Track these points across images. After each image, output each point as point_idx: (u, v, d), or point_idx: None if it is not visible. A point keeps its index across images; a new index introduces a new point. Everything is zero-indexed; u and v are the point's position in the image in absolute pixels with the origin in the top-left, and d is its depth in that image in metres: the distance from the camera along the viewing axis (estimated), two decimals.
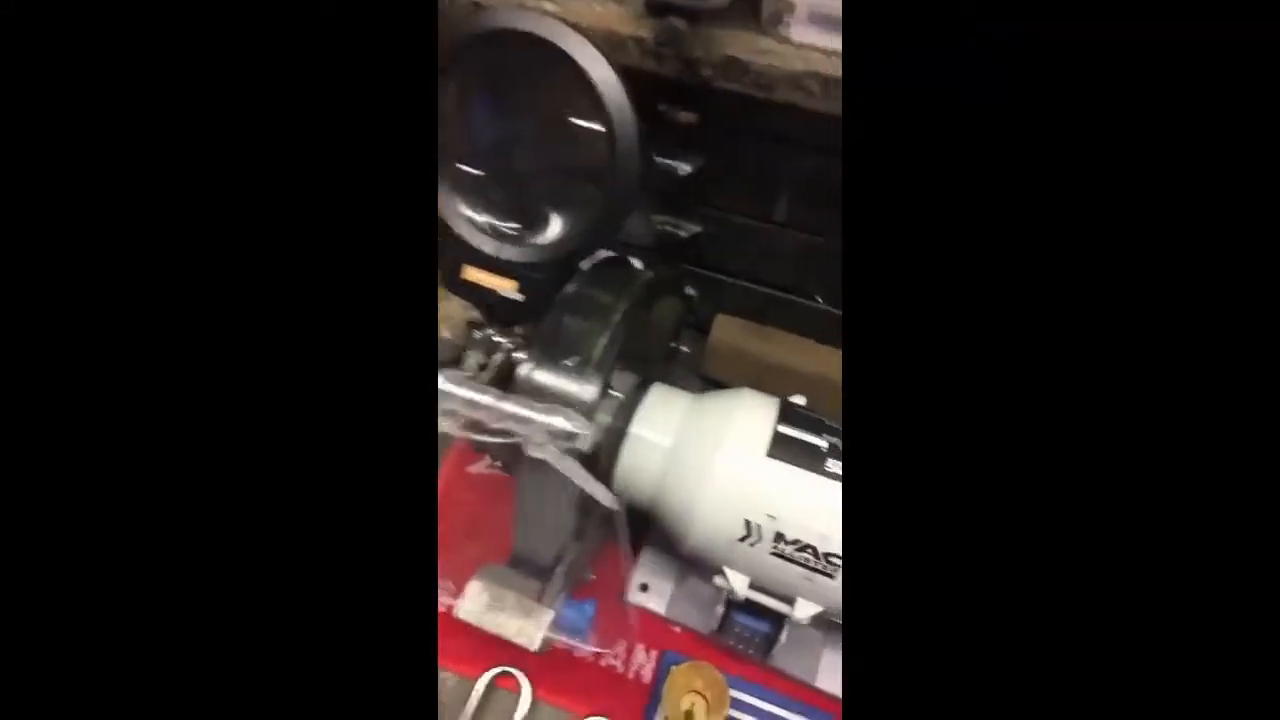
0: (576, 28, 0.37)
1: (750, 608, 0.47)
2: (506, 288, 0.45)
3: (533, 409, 0.36)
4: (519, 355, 0.41)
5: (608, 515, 0.49)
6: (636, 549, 0.56)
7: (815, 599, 0.42)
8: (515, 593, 0.41)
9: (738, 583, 0.43)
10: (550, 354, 0.40)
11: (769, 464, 0.41)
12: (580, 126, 0.40)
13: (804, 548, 0.41)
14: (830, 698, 0.50)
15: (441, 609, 0.42)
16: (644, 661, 0.53)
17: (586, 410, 0.38)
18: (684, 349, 0.60)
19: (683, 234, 0.56)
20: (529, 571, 0.43)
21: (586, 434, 0.37)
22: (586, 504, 0.42)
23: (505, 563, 0.44)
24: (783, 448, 0.42)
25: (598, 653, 0.52)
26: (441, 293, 0.48)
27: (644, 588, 0.55)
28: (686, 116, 0.44)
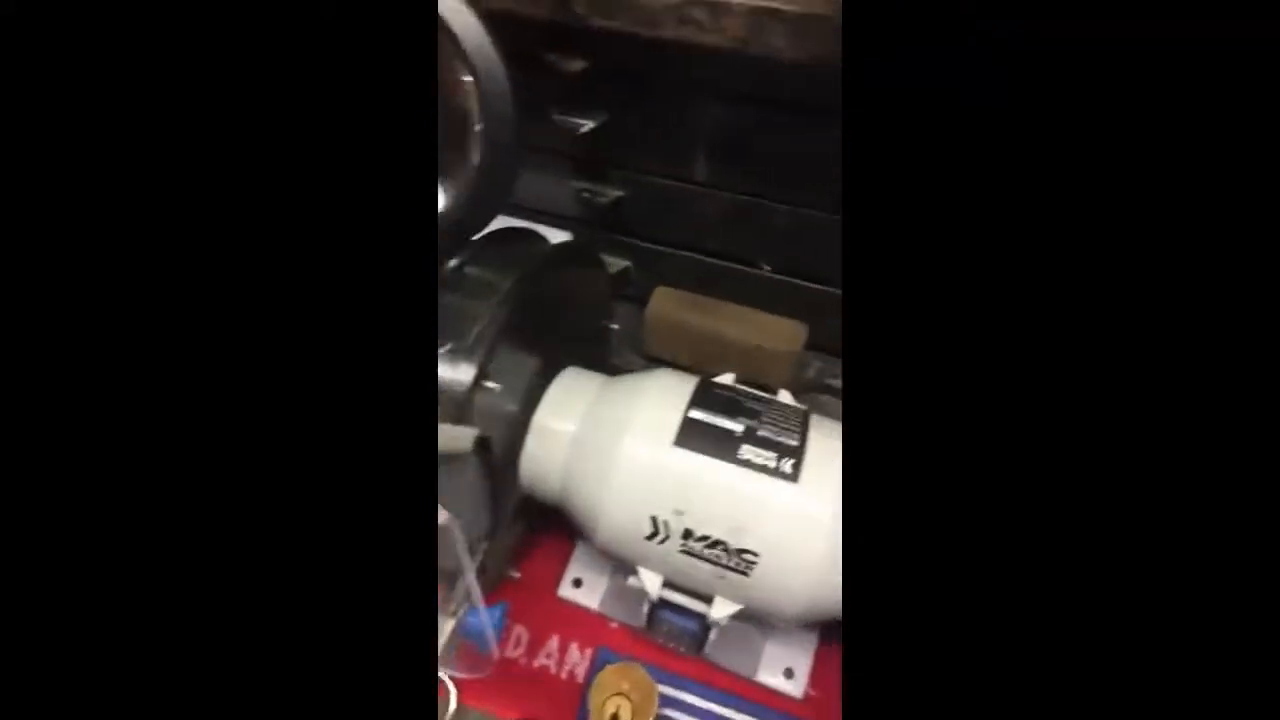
0: None
1: (677, 604, 0.43)
2: None
3: None
4: None
5: (524, 509, 0.46)
6: (571, 542, 0.53)
7: (732, 597, 0.39)
8: None
9: (650, 583, 0.40)
10: None
11: (676, 454, 0.37)
12: (447, 82, 0.35)
13: (714, 544, 0.37)
14: (772, 692, 0.47)
15: None
16: (578, 660, 0.50)
17: (459, 399, 0.34)
18: (615, 326, 0.56)
19: (602, 200, 0.51)
20: None
21: (464, 431, 0.33)
22: (498, 499, 0.38)
23: None
24: (692, 435, 0.38)
25: (531, 652, 0.49)
26: None
27: (577, 583, 0.52)
28: (574, 64, 0.39)
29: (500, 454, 0.39)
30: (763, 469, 0.37)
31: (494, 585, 0.48)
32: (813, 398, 0.55)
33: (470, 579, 0.35)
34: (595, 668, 0.48)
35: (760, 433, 0.38)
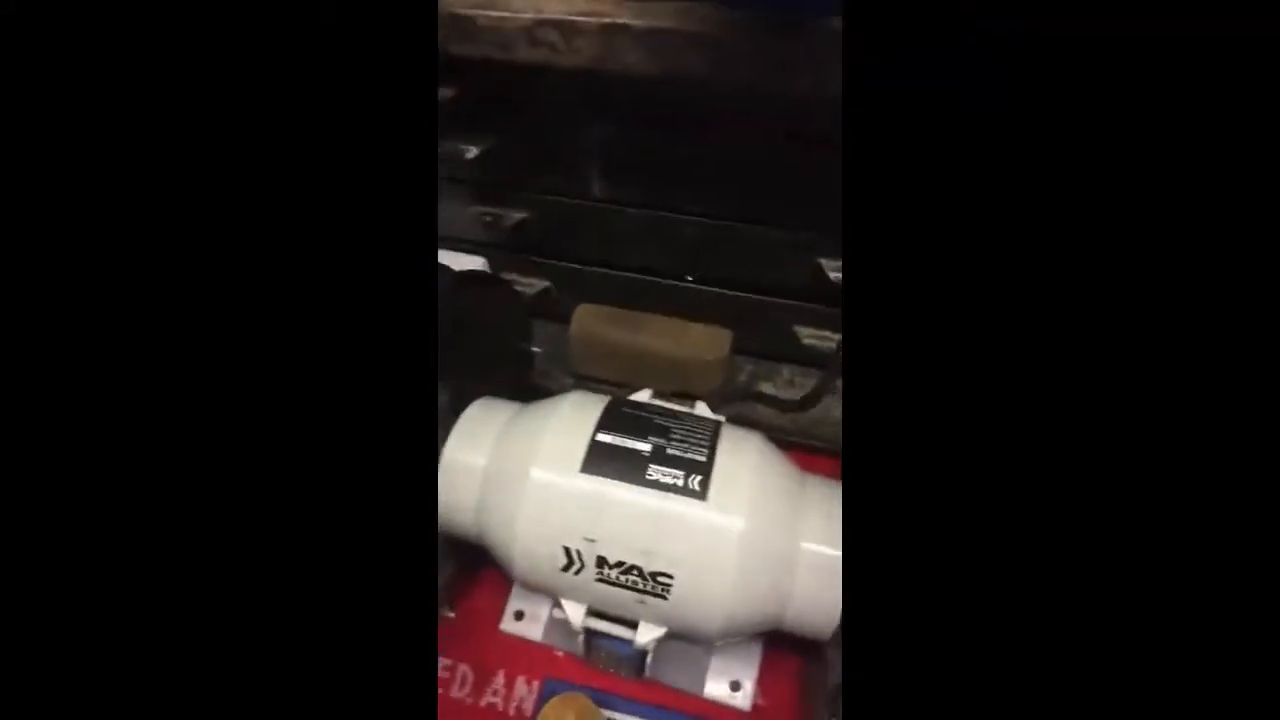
0: None
1: (606, 628, 0.42)
2: None
3: None
4: None
5: (453, 547, 0.45)
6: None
7: (654, 620, 0.38)
8: None
9: (573, 614, 0.39)
10: None
11: (583, 480, 0.36)
12: None
13: (629, 570, 0.36)
14: (720, 706, 0.46)
15: None
16: (525, 694, 0.49)
17: None
18: (537, 350, 0.55)
19: (507, 222, 0.50)
20: None
21: None
22: None
23: None
24: (599, 460, 0.37)
25: (477, 690, 0.48)
26: None
27: (519, 615, 0.50)
28: (444, 92, 0.38)
29: None
30: (671, 488, 0.36)
31: None
32: (750, 405, 0.55)
33: None
34: (543, 700, 0.47)
35: (669, 451, 0.37)
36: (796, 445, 0.57)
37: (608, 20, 0.31)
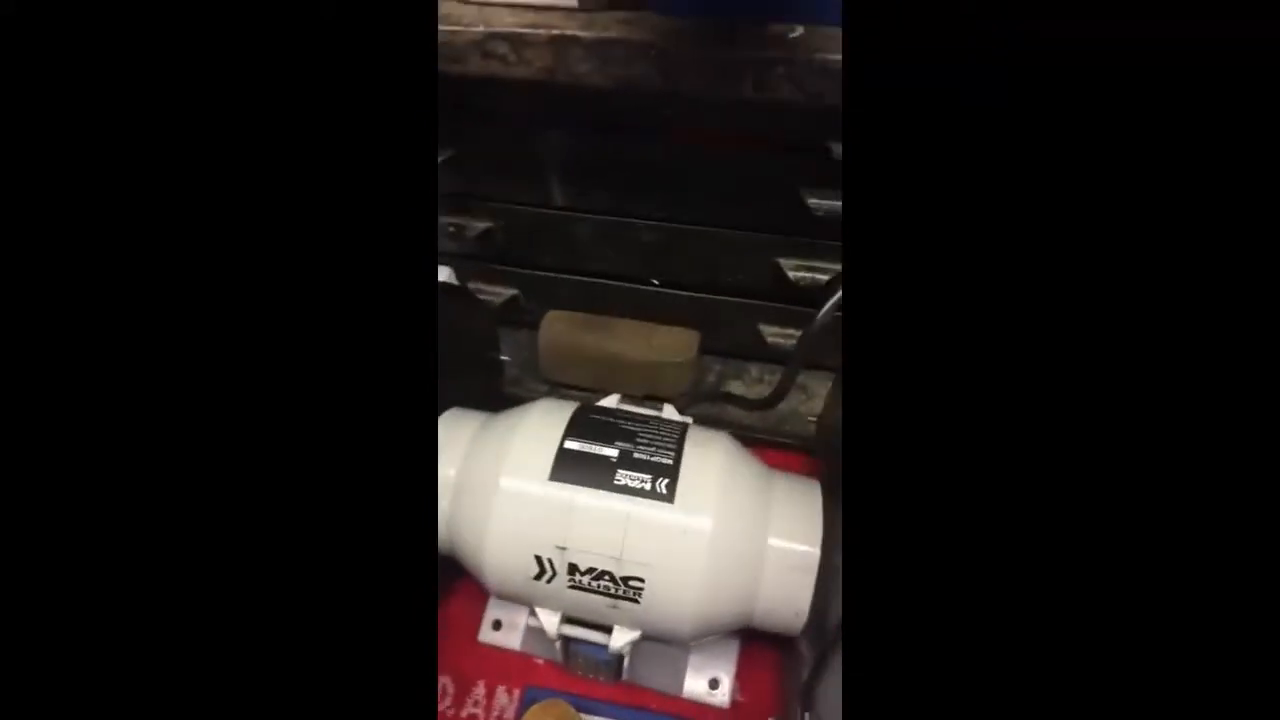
0: None
1: (584, 634, 0.42)
2: None
3: None
4: None
5: None
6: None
7: (628, 624, 0.38)
8: None
9: (548, 623, 0.39)
10: None
11: (552, 489, 0.37)
12: None
13: (600, 575, 0.36)
14: (699, 705, 0.47)
15: None
16: (506, 703, 0.49)
17: None
18: (505, 358, 0.55)
19: (471, 232, 0.50)
20: None
21: None
22: None
23: None
24: (567, 467, 0.37)
25: (458, 702, 0.48)
26: None
27: (497, 625, 0.50)
28: None
29: None
30: (639, 492, 0.36)
31: None
32: (719, 406, 0.55)
33: None
34: (524, 708, 0.47)
35: (636, 455, 0.38)
36: (765, 442, 0.57)
37: (556, 32, 0.31)
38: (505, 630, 0.50)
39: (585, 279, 0.55)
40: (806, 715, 0.37)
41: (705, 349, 0.58)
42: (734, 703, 0.47)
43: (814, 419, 0.54)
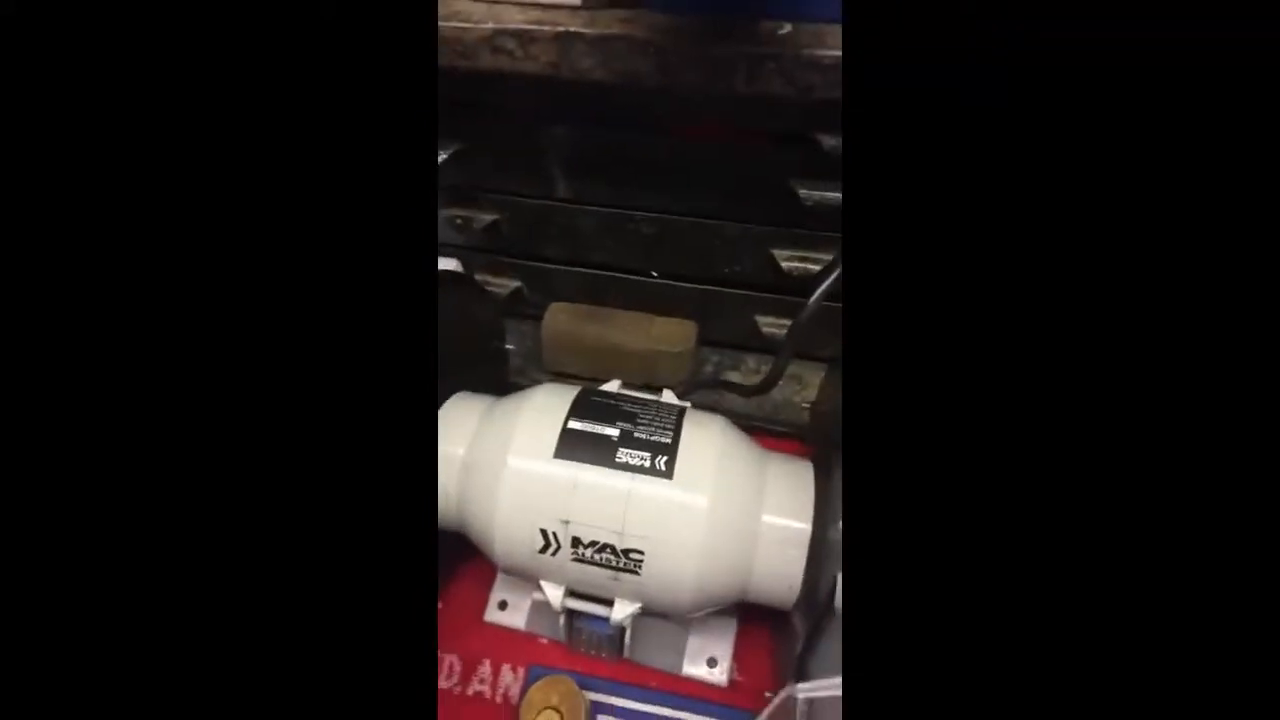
0: None
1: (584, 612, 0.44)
2: None
3: None
4: None
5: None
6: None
7: (629, 597, 0.40)
8: None
9: (553, 595, 0.40)
10: None
11: (556, 465, 0.38)
12: None
13: (602, 548, 0.38)
14: (698, 683, 0.48)
15: None
16: (511, 681, 0.50)
17: None
18: (510, 347, 0.57)
19: (478, 224, 0.52)
20: None
21: None
22: None
23: None
24: (571, 445, 0.39)
25: (465, 679, 0.50)
26: None
27: (503, 605, 0.52)
28: None
29: None
30: (639, 469, 0.38)
31: None
32: (716, 393, 0.57)
33: None
34: (528, 685, 0.49)
35: (636, 434, 0.39)
36: (761, 430, 0.59)
37: (561, 29, 0.33)
38: (511, 611, 0.52)
39: (587, 271, 0.57)
40: (799, 686, 0.39)
41: (704, 340, 0.59)
42: (732, 681, 0.48)
43: (807, 405, 0.56)
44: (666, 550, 0.37)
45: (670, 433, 0.40)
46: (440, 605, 0.51)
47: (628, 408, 0.41)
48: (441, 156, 0.44)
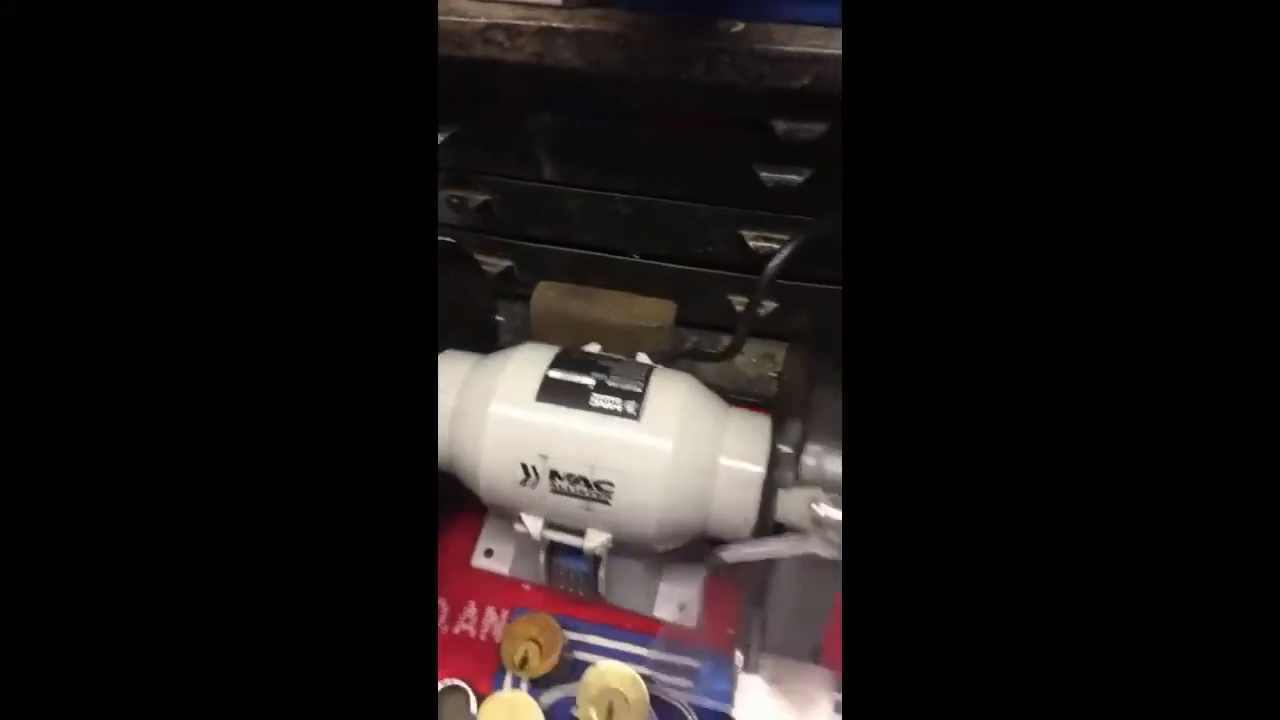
0: None
1: (567, 550, 0.49)
2: None
3: None
4: None
5: None
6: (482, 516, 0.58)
7: (600, 527, 0.44)
8: None
9: (533, 526, 0.45)
10: None
11: (537, 408, 0.43)
12: None
13: (577, 480, 0.43)
14: (668, 625, 0.52)
15: None
16: (495, 621, 0.54)
17: None
18: (500, 318, 0.62)
19: (472, 204, 0.57)
20: None
21: None
22: None
23: None
24: (551, 391, 0.44)
25: (452, 619, 0.54)
26: None
27: (489, 553, 0.57)
28: None
29: None
30: (611, 412, 0.43)
31: None
32: (690, 364, 0.62)
33: None
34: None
35: (609, 383, 0.44)
36: (733, 401, 0.64)
37: (544, 24, 0.38)
38: (496, 558, 0.56)
39: (573, 251, 0.62)
40: (758, 612, 0.43)
41: (681, 321, 0.64)
42: (699, 623, 0.53)
43: (775, 374, 0.61)
44: (634, 483, 0.42)
45: (640, 383, 0.44)
46: None
47: (603, 363, 0.46)
48: (440, 138, 0.50)
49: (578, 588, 0.52)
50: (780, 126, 0.43)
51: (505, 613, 0.54)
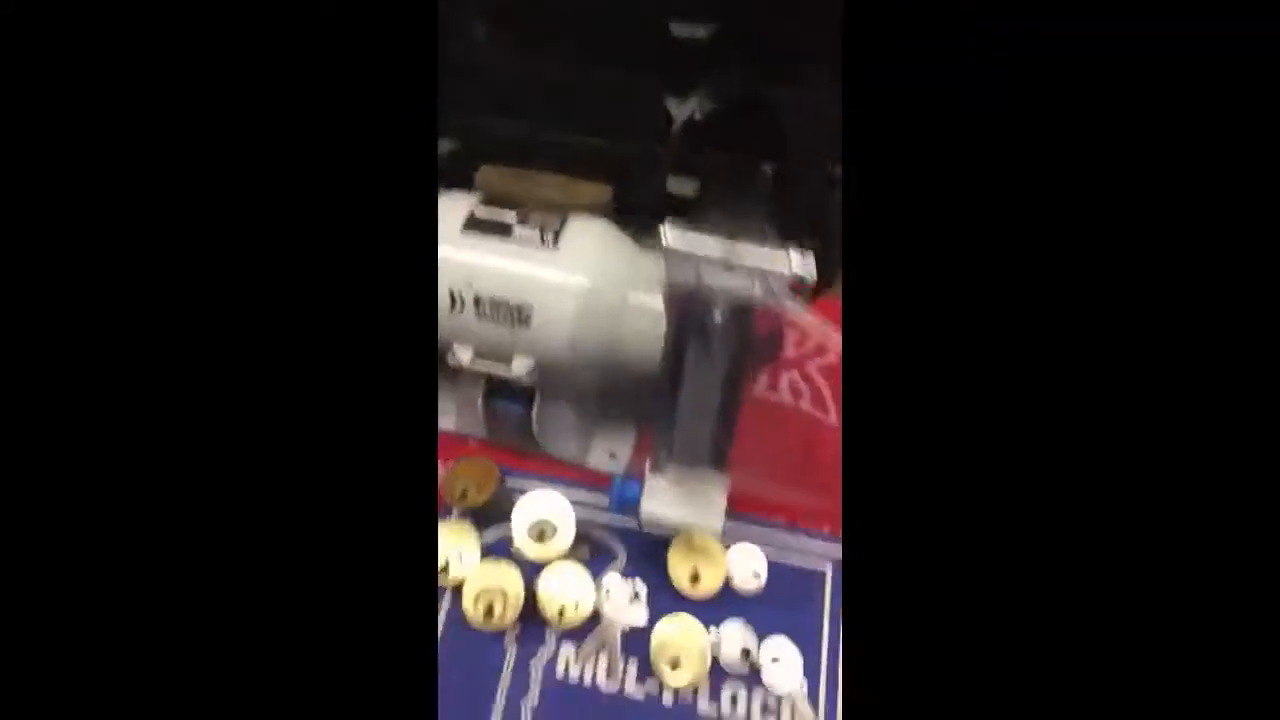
0: None
1: (502, 393, 0.53)
2: None
3: None
4: None
5: None
6: None
7: (524, 352, 0.48)
8: None
9: (464, 355, 0.49)
10: None
11: (463, 239, 0.47)
12: None
13: (498, 304, 0.47)
14: (598, 473, 0.56)
15: None
16: (441, 475, 0.58)
17: None
18: None
19: None
20: None
21: None
22: None
23: None
24: (476, 226, 0.48)
25: None
26: None
27: None
28: None
29: None
30: (529, 242, 0.47)
31: None
32: None
33: None
34: None
35: (530, 219, 0.48)
36: None
37: None
38: (441, 416, 0.60)
39: (513, 139, 0.65)
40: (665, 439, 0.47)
41: (620, 207, 0.68)
42: (625, 471, 0.57)
43: None
44: (549, 307, 0.46)
45: (559, 221, 0.48)
46: None
47: (526, 209, 0.50)
48: None
49: (515, 436, 0.56)
50: None
51: (451, 463, 0.58)
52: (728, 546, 0.50)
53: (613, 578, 0.49)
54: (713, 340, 0.43)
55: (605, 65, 0.57)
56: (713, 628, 0.47)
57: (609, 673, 0.46)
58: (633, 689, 0.46)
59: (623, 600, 0.48)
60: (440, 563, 0.49)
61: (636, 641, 0.47)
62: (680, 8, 0.50)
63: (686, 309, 0.44)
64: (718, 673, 0.46)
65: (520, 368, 0.48)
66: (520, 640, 0.48)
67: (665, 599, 0.48)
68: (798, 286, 0.39)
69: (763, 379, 0.62)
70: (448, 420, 0.60)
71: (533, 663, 0.47)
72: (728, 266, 0.39)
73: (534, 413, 0.53)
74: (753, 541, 0.50)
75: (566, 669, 0.47)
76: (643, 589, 0.48)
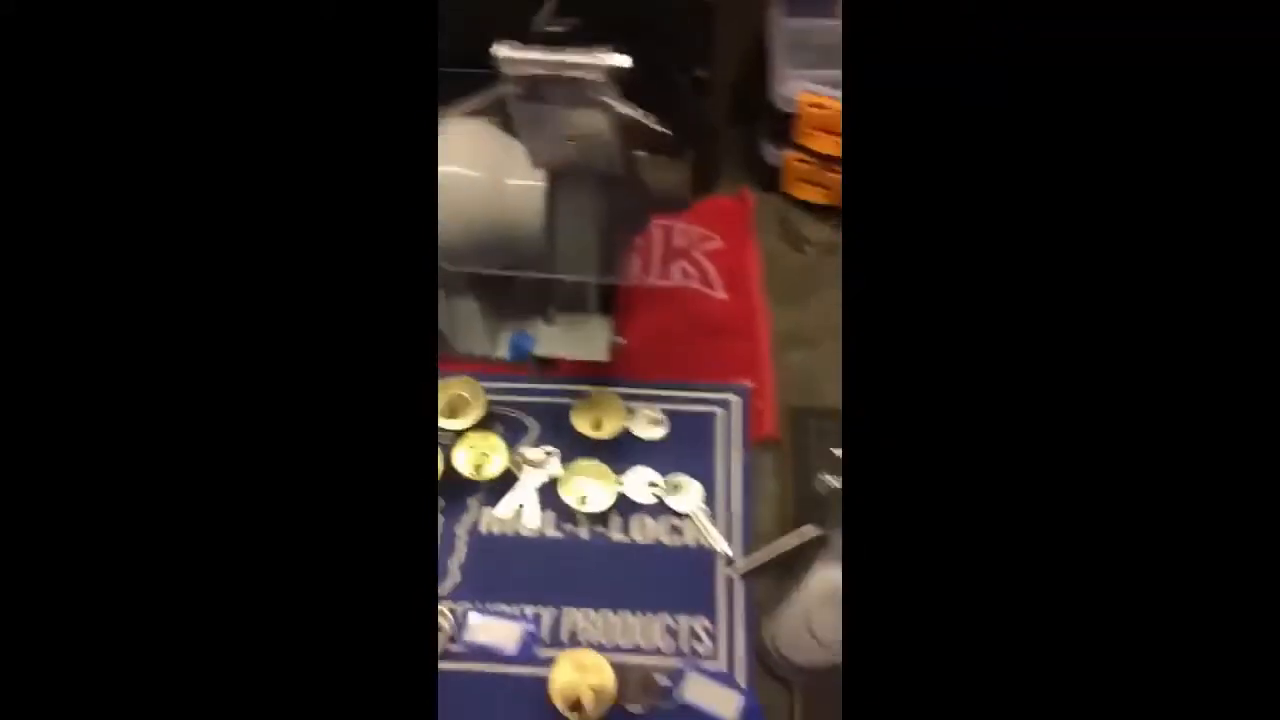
0: None
1: None
2: None
3: None
4: None
5: None
6: None
7: None
8: None
9: None
10: None
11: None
12: None
13: None
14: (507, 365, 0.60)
15: None
16: None
17: None
18: None
19: None
20: None
21: None
22: None
23: None
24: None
25: None
26: None
27: None
28: None
29: None
30: None
31: None
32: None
33: None
34: None
35: None
36: None
37: None
38: None
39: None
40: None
41: None
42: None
43: None
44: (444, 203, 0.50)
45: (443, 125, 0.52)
46: None
47: None
48: None
49: None
50: None
51: None
52: (628, 406, 0.55)
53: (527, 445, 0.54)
54: (581, 194, 0.48)
55: None
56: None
57: (528, 519, 0.51)
58: (552, 531, 0.51)
59: (537, 456, 0.53)
60: None
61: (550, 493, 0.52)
62: None
63: (555, 174, 0.48)
64: (626, 506, 0.52)
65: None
66: (445, 512, 0.52)
67: (578, 448, 0.53)
68: (616, 76, 0.40)
69: (655, 268, 0.67)
70: None
71: (457, 527, 0.51)
72: (556, 77, 0.41)
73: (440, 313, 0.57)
74: (651, 400, 0.56)
75: (489, 528, 0.51)
76: (556, 450, 0.53)
